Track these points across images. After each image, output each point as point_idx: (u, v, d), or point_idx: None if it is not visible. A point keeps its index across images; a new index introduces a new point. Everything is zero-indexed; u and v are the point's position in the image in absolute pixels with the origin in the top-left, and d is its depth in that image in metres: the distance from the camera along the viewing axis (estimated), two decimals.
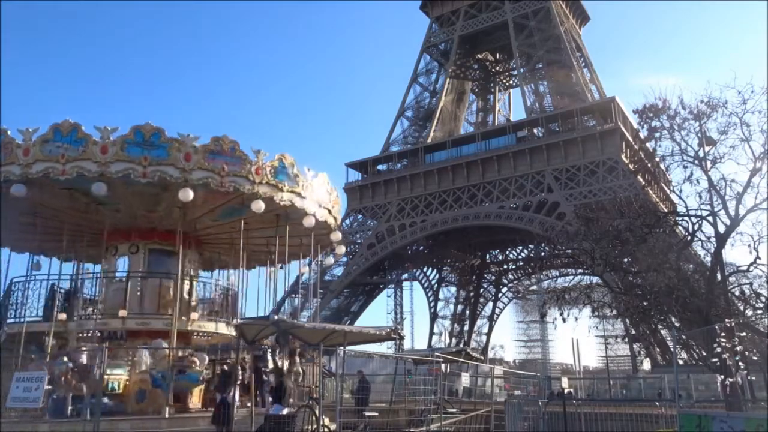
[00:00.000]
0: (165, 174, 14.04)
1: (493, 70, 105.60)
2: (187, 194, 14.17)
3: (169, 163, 14.11)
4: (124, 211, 16.67)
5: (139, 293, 17.21)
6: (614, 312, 22.48)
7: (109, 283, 17.91)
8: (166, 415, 13.93)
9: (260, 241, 19.16)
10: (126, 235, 17.84)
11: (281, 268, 20.51)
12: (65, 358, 14.11)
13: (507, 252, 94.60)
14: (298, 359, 16.48)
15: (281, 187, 15.65)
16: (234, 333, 16.94)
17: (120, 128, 14.13)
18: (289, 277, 20.58)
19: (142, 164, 13.86)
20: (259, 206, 15.17)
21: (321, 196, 17.29)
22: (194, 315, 17.21)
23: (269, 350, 15.67)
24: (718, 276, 17.15)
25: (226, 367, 15.30)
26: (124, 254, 18.05)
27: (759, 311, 16.64)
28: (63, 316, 16.21)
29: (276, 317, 14.42)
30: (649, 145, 19.95)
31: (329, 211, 17.88)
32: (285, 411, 13.13)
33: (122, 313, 15.95)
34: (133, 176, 13.83)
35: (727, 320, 14.10)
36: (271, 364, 15.28)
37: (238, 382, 14.51)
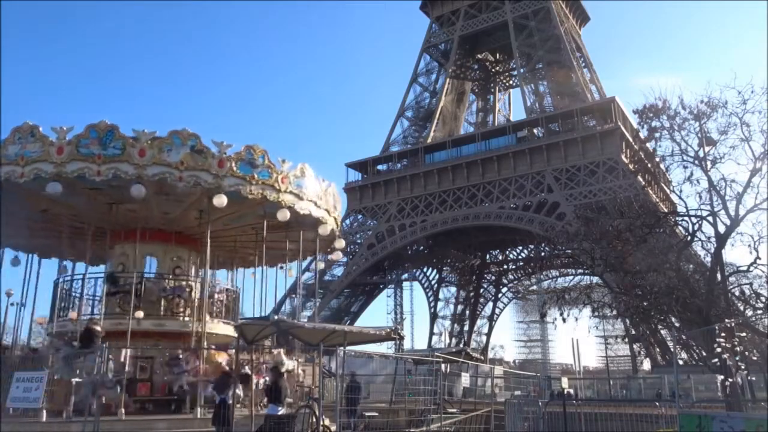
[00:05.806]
0: (200, 179, 14.09)
1: (493, 70, 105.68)
2: (222, 200, 14.27)
3: (203, 169, 14.15)
4: (140, 212, 16.62)
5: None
6: (614, 312, 22.40)
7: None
8: (199, 416, 13.99)
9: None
10: (132, 235, 17.74)
11: (281, 268, 20.76)
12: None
13: (507, 252, 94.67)
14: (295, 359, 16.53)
15: (302, 196, 15.89)
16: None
17: (157, 131, 14.16)
18: (279, 277, 20.69)
19: (178, 168, 13.90)
20: (284, 215, 15.40)
21: (330, 206, 17.66)
22: (208, 317, 17.24)
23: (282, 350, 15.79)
24: (718, 276, 17.10)
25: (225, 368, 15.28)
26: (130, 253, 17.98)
27: (759, 311, 16.59)
28: (73, 314, 16.22)
29: (276, 317, 14.41)
30: (649, 145, 19.87)
31: (335, 220, 18.38)
32: (281, 411, 13.10)
33: (139, 314, 15.95)
34: (170, 180, 13.86)
35: (727, 320, 14.07)
36: (290, 365, 15.34)
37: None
